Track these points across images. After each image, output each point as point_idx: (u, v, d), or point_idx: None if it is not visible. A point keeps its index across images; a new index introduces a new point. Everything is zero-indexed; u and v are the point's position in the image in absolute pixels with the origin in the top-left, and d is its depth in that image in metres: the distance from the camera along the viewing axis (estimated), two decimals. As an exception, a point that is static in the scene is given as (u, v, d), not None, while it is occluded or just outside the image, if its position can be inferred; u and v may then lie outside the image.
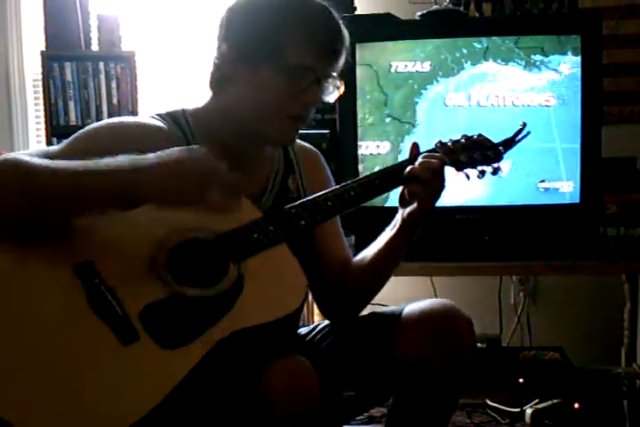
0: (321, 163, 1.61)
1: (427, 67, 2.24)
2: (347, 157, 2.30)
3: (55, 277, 1.19)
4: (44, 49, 2.93)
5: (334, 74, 1.40)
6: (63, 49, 2.93)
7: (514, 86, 2.23)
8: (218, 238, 1.28)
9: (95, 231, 1.23)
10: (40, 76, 2.95)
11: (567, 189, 2.24)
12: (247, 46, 1.35)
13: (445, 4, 2.48)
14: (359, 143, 2.29)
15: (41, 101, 2.99)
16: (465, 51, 2.24)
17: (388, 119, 2.28)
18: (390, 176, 1.42)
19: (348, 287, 1.53)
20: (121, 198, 1.18)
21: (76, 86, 2.95)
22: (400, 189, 1.44)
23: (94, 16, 2.94)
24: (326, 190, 1.39)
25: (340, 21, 1.39)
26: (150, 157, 1.19)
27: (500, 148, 1.48)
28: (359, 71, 2.27)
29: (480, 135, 1.48)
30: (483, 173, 1.47)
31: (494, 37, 2.23)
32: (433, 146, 1.46)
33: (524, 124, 1.50)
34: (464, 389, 1.48)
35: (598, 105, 2.24)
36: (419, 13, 2.44)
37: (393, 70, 2.26)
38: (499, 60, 2.23)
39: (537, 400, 2.54)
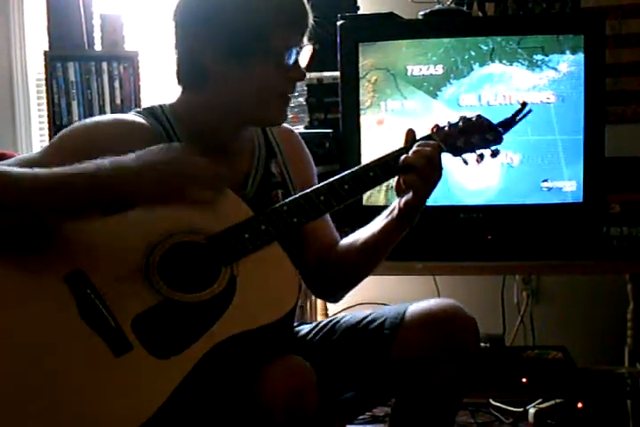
0: (299, 141, 1.60)
1: (440, 70, 2.24)
2: (350, 157, 2.30)
3: (46, 287, 1.18)
4: (47, 49, 2.93)
5: (306, 39, 1.39)
6: (66, 49, 2.93)
7: (518, 86, 2.24)
8: (209, 240, 1.26)
9: (84, 239, 1.22)
10: (43, 76, 2.95)
11: (570, 188, 2.24)
12: (232, 45, 1.33)
13: (448, 3, 2.48)
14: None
15: (44, 101, 2.99)
16: (473, 53, 2.24)
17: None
18: (385, 166, 1.37)
19: (336, 268, 1.53)
20: (105, 202, 1.18)
21: (79, 86, 2.95)
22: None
23: (97, 16, 2.93)
24: (319, 185, 1.36)
25: None
26: (132, 157, 1.19)
27: (500, 129, 1.43)
28: (377, 75, 2.27)
29: (479, 116, 1.43)
30: (481, 156, 1.41)
31: (497, 37, 2.23)
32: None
33: (524, 104, 1.44)
34: (468, 388, 1.48)
35: (601, 105, 2.23)
36: (421, 13, 2.44)
37: (409, 74, 2.26)
38: (504, 61, 2.23)
39: (540, 400, 2.54)
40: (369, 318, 1.51)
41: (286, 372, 1.23)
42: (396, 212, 1.42)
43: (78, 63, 2.95)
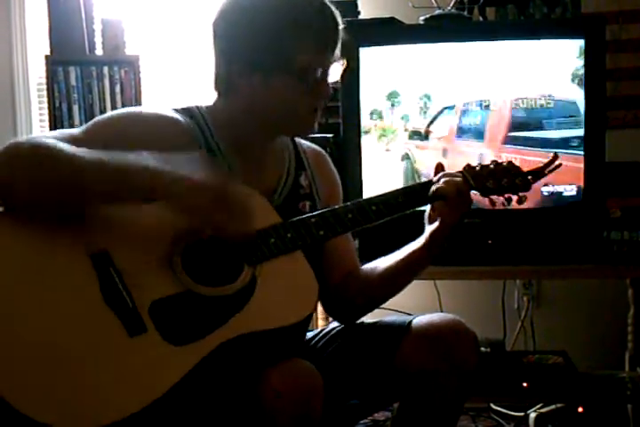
0: (328, 161, 1.62)
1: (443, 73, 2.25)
2: (351, 161, 2.30)
3: (72, 264, 1.21)
4: (48, 53, 2.93)
5: (337, 57, 1.42)
6: (67, 53, 2.93)
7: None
8: (235, 239, 1.28)
9: (115, 222, 1.25)
10: (44, 81, 2.95)
11: (571, 193, 2.24)
12: (257, 60, 1.36)
13: (449, 8, 2.49)
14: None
15: (45, 106, 2.99)
16: (474, 56, 2.25)
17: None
18: (413, 194, 1.42)
19: (355, 292, 1.54)
20: (140, 196, 1.21)
21: (81, 91, 2.95)
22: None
23: (98, 21, 2.93)
24: (348, 203, 1.40)
25: (332, 7, 1.40)
26: (177, 163, 1.21)
27: (529, 177, 1.46)
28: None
29: (510, 162, 1.47)
30: (509, 200, 1.45)
31: (498, 42, 2.24)
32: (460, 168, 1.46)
33: (555, 156, 1.47)
34: (466, 400, 1.51)
35: (602, 110, 2.24)
36: (422, 18, 2.44)
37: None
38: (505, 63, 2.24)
39: (541, 404, 2.54)
40: (373, 328, 1.53)
41: (293, 374, 1.24)
42: (422, 240, 1.46)
43: (79, 68, 2.94)
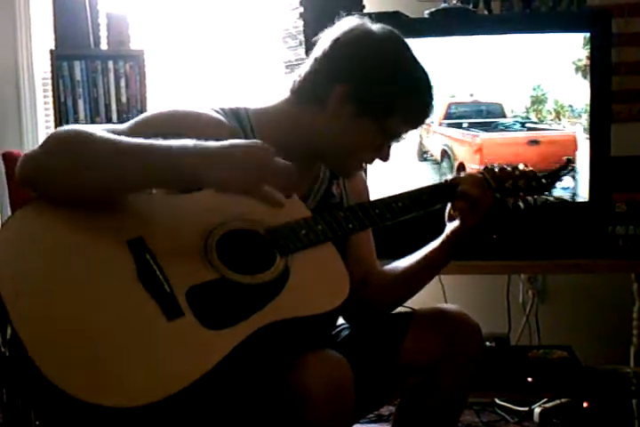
0: (360, 174, 1.64)
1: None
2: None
3: (109, 248, 1.22)
4: (53, 48, 2.94)
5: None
6: (72, 48, 2.93)
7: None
8: (268, 231, 1.31)
9: (151, 210, 1.28)
10: (49, 75, 2.95)
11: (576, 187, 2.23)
12: (363, 98, 1.38)
13: (454, 2, 2.48)
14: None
15: (50, 100, 2.99)
16: (479, 50, 2.25)
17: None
18: (438, 193, 1.47)
19: (372, 293, 1.55)
20: (180, 180, 1.20)
21: (86, 85, 2.95)
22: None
23: (103, 15, 2.94)
24: (375, 199, 1.44)
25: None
26: (215, 144, 1.20)
27: (544, 181, 1.53)
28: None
29: (526, 166, 1.54)
30: (525, 202, 1.52)
31: (504, 35, 2.23)
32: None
33: (568, 161, 1.55)
34: (470, 392, 1.52)
35: (607, 103, 2.23)
36: (427, 11, 2.43)
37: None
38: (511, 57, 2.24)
39: (545, 399, 2.54)
40: (378, 322, 1.54)
41: (328, 364, 1.24)
42: (441, 239, 1.50)
43: (84, 62, 2.95)
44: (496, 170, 1.51)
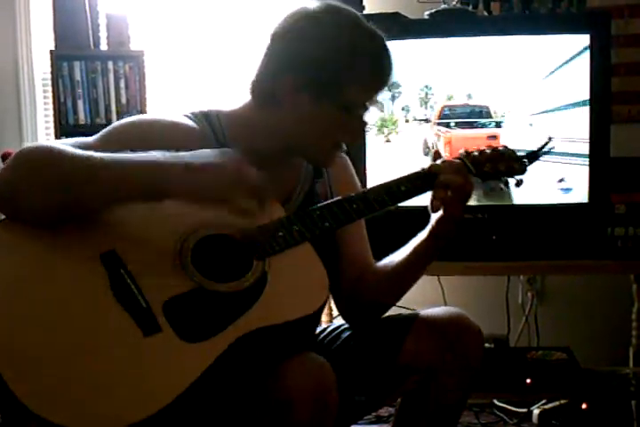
0: (348, 165, 1.61)
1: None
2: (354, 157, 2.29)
3: (82, 264, 1.20)
4: (53, 48, 2.94)
5: (379, 97, 1.43)
6: (72, 48, 2.94)
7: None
8: (243, 234, 1.29)
9: (122, 221, 1.25)
10: (49, 76, 2.95)
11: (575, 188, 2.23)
12: (313, 82, 1.35)
13: (454, 3, 2.48)
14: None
15: (50, 100, 3.00)
16: (478, 51, 2.25)
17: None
18: (416, 182, 1.41)
19: (368, 291, 1.53)
20: (150, 192, 1.19)
21: (85, 85, 2.96)
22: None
23: (103, 15, 2.94)
24: (352, 194, 1.39)
25: (390, 49, 1.40)
26: (185, 155, 1.20)
27: (525, 160, 1.48)
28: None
29: (505, 147, 1.48)
30: (506, 184, 1.49)
31: (503, 37, 2.23)
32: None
33: (550, 139, 1.50)
34: (470, 395, 1.52)
35: (607, 104, 2.23)
36: (427, 13, 2.43)
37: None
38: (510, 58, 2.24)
39: (544, 401, 2.54)
40: (378, 323, 1.54)
41: (309, 368, 1.23)
42: (428, 230, 1.45)
43: (84, 62, 2.95)
44: (475, 154, 1.45)
